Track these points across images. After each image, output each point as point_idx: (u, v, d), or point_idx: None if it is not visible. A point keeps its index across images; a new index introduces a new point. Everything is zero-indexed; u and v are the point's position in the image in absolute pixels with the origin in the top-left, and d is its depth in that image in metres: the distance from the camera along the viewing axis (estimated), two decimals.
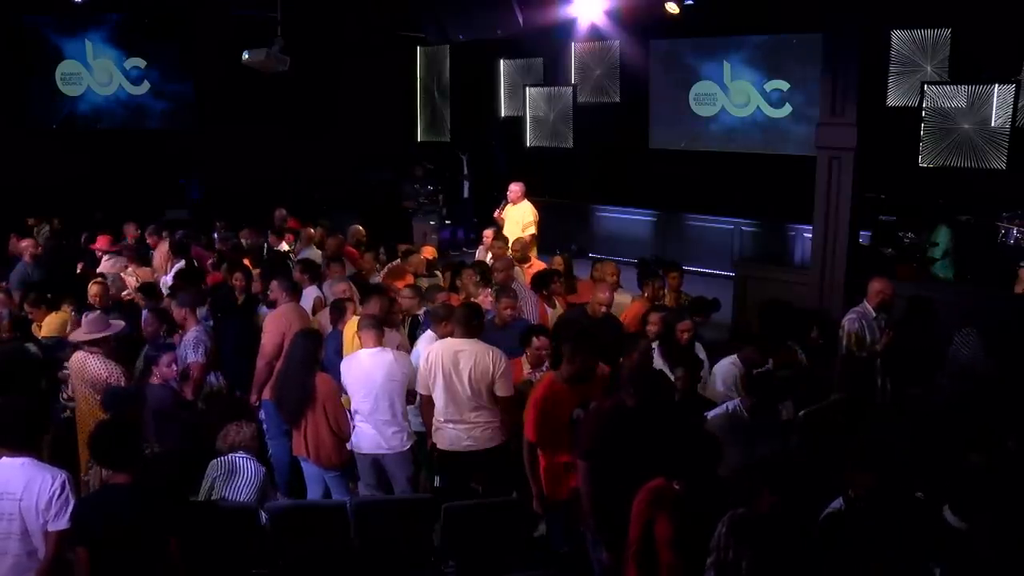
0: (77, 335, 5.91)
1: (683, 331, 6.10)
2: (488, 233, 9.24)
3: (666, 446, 4.03)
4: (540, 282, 7.39)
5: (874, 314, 6.59)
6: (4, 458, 3.93)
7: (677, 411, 4.94)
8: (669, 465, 3.98)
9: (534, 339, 5.77)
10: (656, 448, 4.41)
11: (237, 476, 5.05)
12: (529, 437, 4.94)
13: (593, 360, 5.01)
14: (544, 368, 5.75)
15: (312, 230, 9.67)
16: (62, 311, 7.11)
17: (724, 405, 5.05)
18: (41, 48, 13.86)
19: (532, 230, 9.76)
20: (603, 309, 6.57)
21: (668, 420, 4.57)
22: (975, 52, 9.29)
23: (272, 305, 6.90)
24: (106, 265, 9.06)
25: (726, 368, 5.91)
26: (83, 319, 6.00)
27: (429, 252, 9.53)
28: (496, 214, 9.93)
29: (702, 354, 6.26)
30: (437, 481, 5.87)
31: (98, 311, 6.30)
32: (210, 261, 8.99)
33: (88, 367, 5.72)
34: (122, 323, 6.45)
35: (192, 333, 6.43)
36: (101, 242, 9.65)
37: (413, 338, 6.57)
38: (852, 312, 6.70)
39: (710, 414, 5.00)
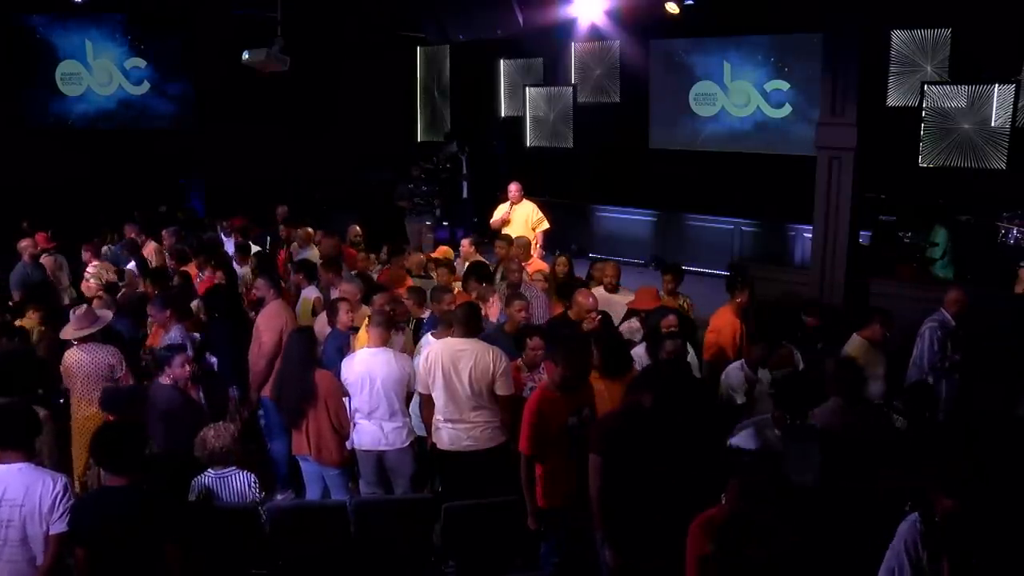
0: (67, 332, 5.95)
1: (667, 327, 6.00)
2: (466, 243, 9.09)
3: (708, 463, 3.89)
4: (565, 293, 7.09)
5: (954, 323, 6.37)
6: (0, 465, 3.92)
7: (697, 414, 4.77)
8: (714, 483, 3.80)
9: (528, 340, 5.73)
10: (672, 450, 4.33)
11: (223, 499, 4.86)
12: (523, 450, 4.77)
13: (586, 366, 4.89)
14: (541, 370, 5.73)
15: (311, 230, 9.66)
16: (27, 318, 7.02)
17: (752, 420, 4.78)
18: (41, 48, 13.87)
19: (545, 226, 9.75)
20: (592, 315, 6.27)
21: (686, 422, 4.46)
22: (975, 52, 9.30)
23: (259, 303, 6.93)
24: (44, 262, 8.95)
25: (734, 373, 5.84)
26: (71, 315, 6.02)
27: (444, 252, 9.55)
28: (504, 216, 9.79)
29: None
30: (439, 484, 5.87)
31: (85, 306, 6.28)
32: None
33: (84, 360, 5.77)
34: (109, 314, 6.45)
35: (173, 333, 6.40)
36: (37, 240, 9.41)
37: (418, 340, 6.54)
38: (932, 321, 6.43)
39: (736, 429, 4.73)
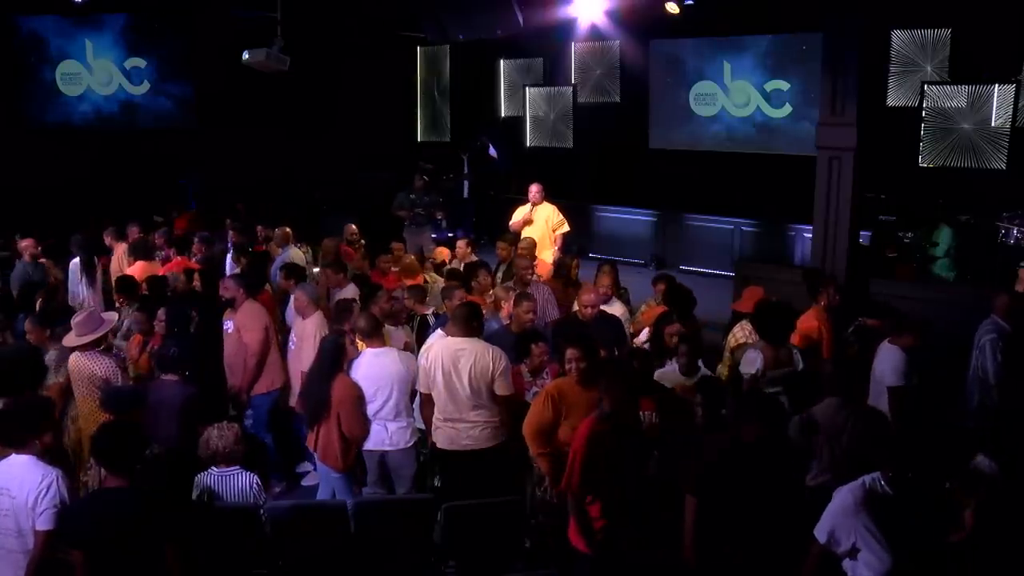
0: (69, 340, 5.78)
1: (671, 335, 5.96)
2: (461, 244, 9.04)
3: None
4: (679, 300, 6.80)
5: (1010, 329, 6.10)
6: (12, 456, 3.99)
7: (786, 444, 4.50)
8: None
9: (533, 346, 5.69)
10: (773, 487, 4.17)
11: (225, 498, 4.86)
12: (574, 488, 4.46)
13: (629, 393, 4.58)
14: (545, 375, 5.71)
15: (288, 229, 9.50)
16: None
17: (860, 479, 3.80)
18: (41, 48, 13.88)
19: (565, 228, 9.64)
20: (589, 311, 6.33)
21: (786, 456, 4.33)
22: (975, 52, 9.31)
23: (231, 304, 6.72)
24: None
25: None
26: (73, 320, 5.84)
27: (441, 254, 9.50)
28: (526, 217, 9.57)
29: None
30: (437, 481, 5.87)
31: (89, 310, 6.21)
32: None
33: (84, 367, 5.71)
34: (115, 316, 6.40)
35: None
36: None
37: (422, 338, 6.51)
38: (990, 333, 6.13)
39: (839, 492, 3.84)
